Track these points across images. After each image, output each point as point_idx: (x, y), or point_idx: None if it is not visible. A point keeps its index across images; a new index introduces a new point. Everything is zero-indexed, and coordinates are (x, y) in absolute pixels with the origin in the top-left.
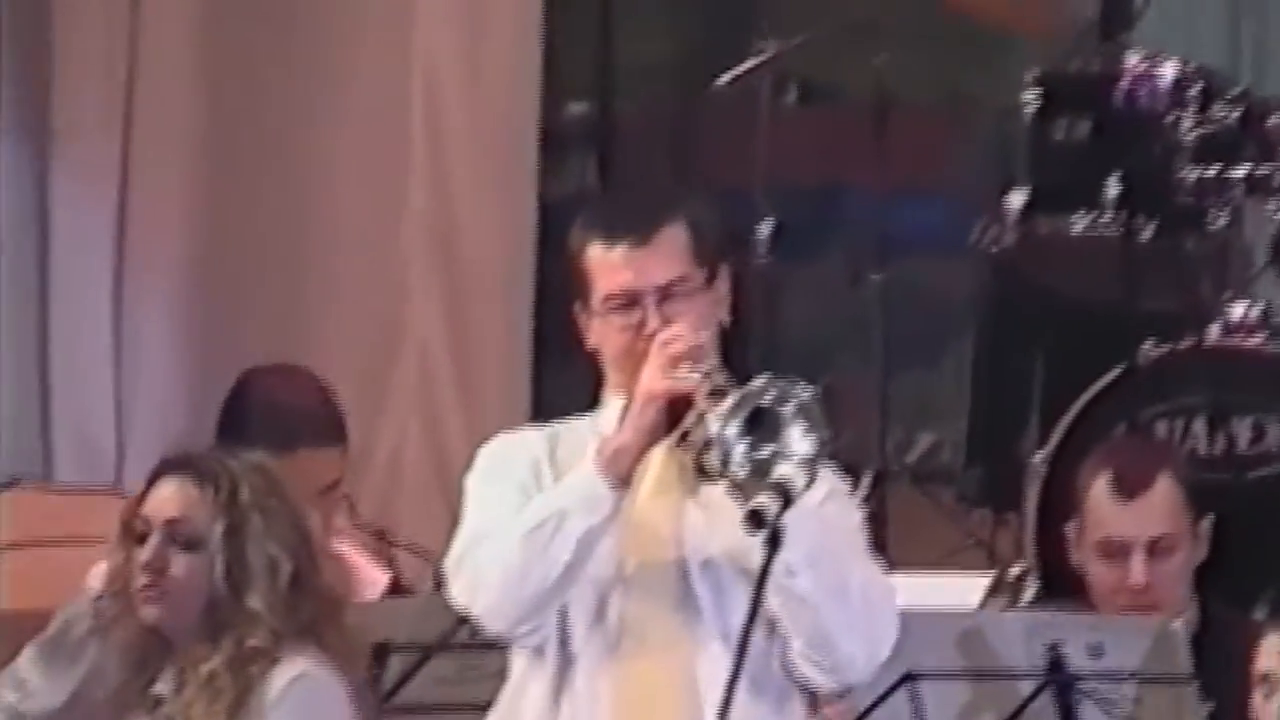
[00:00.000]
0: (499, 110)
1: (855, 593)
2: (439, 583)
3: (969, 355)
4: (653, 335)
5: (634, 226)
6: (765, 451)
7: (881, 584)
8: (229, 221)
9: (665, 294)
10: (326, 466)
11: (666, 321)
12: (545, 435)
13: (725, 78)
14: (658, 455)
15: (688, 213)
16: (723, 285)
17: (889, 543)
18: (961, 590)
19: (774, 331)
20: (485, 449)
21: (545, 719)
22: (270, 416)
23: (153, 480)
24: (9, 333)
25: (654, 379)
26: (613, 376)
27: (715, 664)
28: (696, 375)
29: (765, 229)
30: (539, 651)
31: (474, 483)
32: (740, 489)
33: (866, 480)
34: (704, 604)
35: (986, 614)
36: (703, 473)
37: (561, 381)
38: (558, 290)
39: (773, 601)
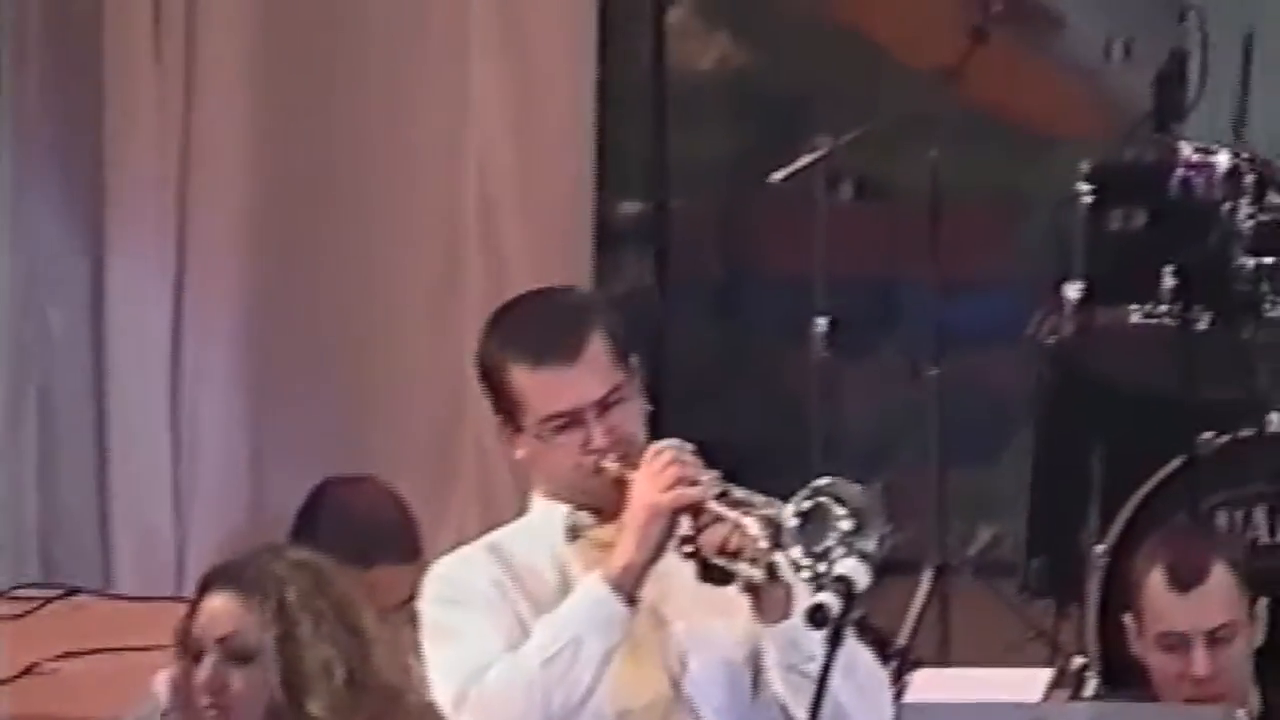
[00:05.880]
0: (554, 210)
1: (862, 670)
2: None
3: (1028, 447)
4: (598, 449)
5: (558, 345)
6: (824, 548)
7: (874, 660)
8: (285, 328)
9: (603, 406)
10: (400, 583)
11: (609, 432)
12: (486, 549)
13: (780, 174)
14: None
15: (602, 320)
16: (639, 379)
17: (951, 637)
18: (1025, 683)
19: (832, 426)
20: (436, 574)
21: None
22: (346, 532)
23: (200, 594)
24: (67, 443)
25: (654, 494)
26: (547, 486)
27: None
28: (699, 484)
29: (822, 324)
30: None
31: (437, 610)
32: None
33: (928, 574)
34: (704, 712)
35: (1051, 706)
36: (710, 576)
37: None
38: None
39: (782, 685)
